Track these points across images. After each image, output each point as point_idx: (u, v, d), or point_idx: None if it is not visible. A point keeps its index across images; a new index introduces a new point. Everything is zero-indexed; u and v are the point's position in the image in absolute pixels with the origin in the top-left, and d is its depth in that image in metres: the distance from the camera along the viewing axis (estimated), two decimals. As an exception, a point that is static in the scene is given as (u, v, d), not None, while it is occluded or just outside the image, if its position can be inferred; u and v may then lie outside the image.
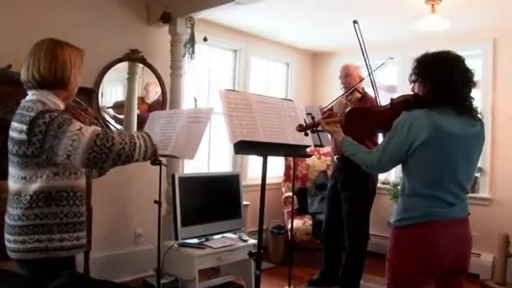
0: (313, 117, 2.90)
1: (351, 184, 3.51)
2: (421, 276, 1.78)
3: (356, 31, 2.72)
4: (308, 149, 2.40)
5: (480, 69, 4.29)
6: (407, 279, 1.80)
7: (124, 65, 3.84)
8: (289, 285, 3.50)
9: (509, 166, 4.20)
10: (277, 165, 4.97)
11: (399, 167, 1.91)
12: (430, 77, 1.83)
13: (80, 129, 1.58)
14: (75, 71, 1.76)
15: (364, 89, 3.65)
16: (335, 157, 3.72)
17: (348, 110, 2.10)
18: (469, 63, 1.86)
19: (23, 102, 1.70)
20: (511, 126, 4.19)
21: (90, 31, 3.52)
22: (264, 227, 3.28)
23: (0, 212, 1.95)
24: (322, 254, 3.90)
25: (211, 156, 4.71)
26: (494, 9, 3.78)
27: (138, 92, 3.93)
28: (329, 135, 3.43)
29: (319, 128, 2.20)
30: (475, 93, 1.87)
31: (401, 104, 1.91)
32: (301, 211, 4.67)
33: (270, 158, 2.18)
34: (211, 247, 3.25)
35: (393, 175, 4.81)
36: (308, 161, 4.98)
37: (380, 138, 2.71)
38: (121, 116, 3.82)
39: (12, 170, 1.70)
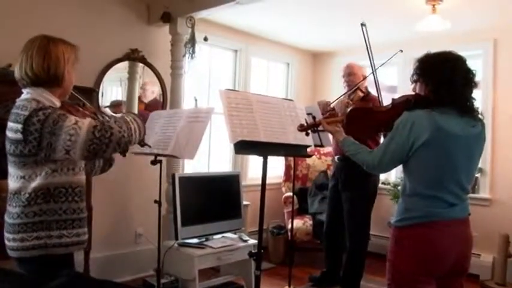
0: (313, 117, 2.91)
1: (352, 184, 3.50)
2: (422, 277, 1.78)
3: (364, 34, 2.72)
4: (308, 149, 2.40)
5: (481, 69, 4.29)
6: (408, 280, 1.80)
7: (124, 65, 3.84)
8: (289, 286, 3.50)
9: (510, 166, 4.19)
10: (277, 165, 4.96)
11: (400, 167, 1.92)
12: (431, 77, 1.83)
13: (76, 123, 1.58)
14: (69, 68, 1.74)
15: (367, 88, 3.65)
16: (336, 157, 3.71)
17: (349, 109, 2.09)
18: (470, 64, 1.86)
19: (18, 101, 1.69)
20: (511, 126, 4.19)
21: (91, 31, 3.52)
22: (264, 227, 3.28)
23: (0, 211, 1.95)
24: (323, 255, 3.89)
25: (212, 156, 4.71)
26: (495, 10, 3.78)
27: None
28: (330, 135, 3.44)
29: (320, 128, 2.20)
30: (475, 93, 1.87)
31: (402, 104, 1.91)
32: (301, 211, 4.67)
33: (270, 158, 2.18)
34: (211, 247, 3.25)
35: (394, 175, 4.81)
36: (308, 161, 4.98)
37: (382, 138, 2.71)
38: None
39: (11, 170, 1.70)
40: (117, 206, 3.79)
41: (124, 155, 2.02)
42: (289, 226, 4.06)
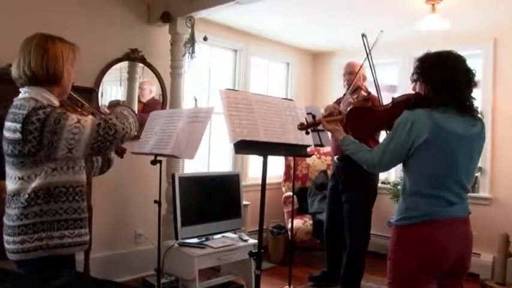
0: (313, 116, 2.91)
1: (353, 184, 3.50)
2: (423, 275, 1.78)
3: (364, 44, 2.72)
4: (308, 149, 2.40)
5: (480, 69, 4.28)
6: (409, 278, 1.80)
7: (124, 65, 3.84)
8: (289, 285, 3.50)
9: (509, 166, 4.20)
10: (277, 165, 4.97)
11: (400, 166, 1.92)
12: (431, 77, 1.84)
13: (78, 121, 1.57)
14: (68, 66, 1.71)
15: (367, 88, 3.65)
16: (335, 157, 3.71)
17: (348, 108, 2.09)
18: (470, 63, 1.87)
19: (15, 101, 1.65)
20: (511, 126, 4.19)
21: (90, 30, 3.52)
22: (264, 227, 3.28)
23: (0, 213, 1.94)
24: (325, 255, 3.88)
25: (211, 156, 4.71)
26: (495, 9, 3.78)
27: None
28: (329, 135, 3.44)
29: (320, 127, 2.20)
30: (475, 93, 1.87)
31: (402, 103, 1.91)
32: (301, 211, 4.67)
33: (270, 158, 2.18)
34: (211, 247, 3.25)
35: (393, 175, 4.81)
36: (308, 160, 4.98)
37: (382, 137, 2.70)
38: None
39: (9, 171, 1.65)
40: (117, 206, 3.79)
41: (121, 157, 2.02)
42: (289, 226, 4.06)
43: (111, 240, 3.72)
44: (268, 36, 5.03)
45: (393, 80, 5.12)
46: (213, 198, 3.56)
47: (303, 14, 4.13)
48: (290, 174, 4.77)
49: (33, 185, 1.60)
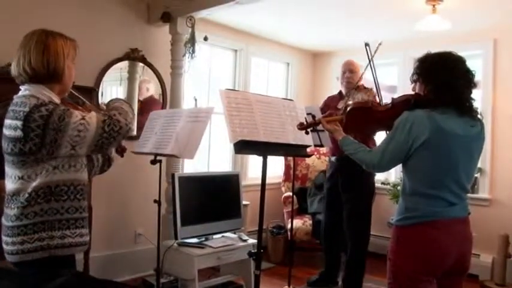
0: (313, 116, 2.91)
1: (353, 185, 3.50)
2: (423, 276, 1.78)
3: (367, 53, 2.73)
4: (308, 149, 2.40)
5: (480, 69, 4.29)
6: (409, 279, 1.80)
7: (124, 64, 3.84)
8: (289, 285, 3.50)
9: (509, 166, 4.19)
10: (277, 165, 4.97)
11: (400, 167, 1.92)
12: (431, 77, 1.84)
13: (83, 118, 1.56)
14: (68, 63, 1.67)
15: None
16: (333, 158, 3.71)
17: (348, 108, 2.09)
18: (470, 64, 1.87)
19: (15, 98, 1.61)
20: (511, 126, 4.19)
21: (91, 30, 3.52)
22: (264, 227, 3.28)
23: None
24: (323, 256, 3.89)
25: (211, 156, 4.71)
26: (495, 10, 3.78)
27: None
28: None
29: (320, 127, 2.20)
30: (475, 93, 1.87)
31: (402, 104, 1.91)
32: (301, 211, 4.67)
33: (269, 158, 2.18)
34: (211, 247, 3.25)
35: (393, 175, 4.81)
36: (308, 160, 4.98)
37: (382, 138, 2.70)
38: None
39: (9, 170, 1.61)
40: (117, 205, 3.79)
41: (122, 155, 2.02)
42: (289, 226, 4.06)
43: (110, 239, 3.72)
44: (268, 36, 5.03)
45: (393, 80, 5.12)
46: (213, 198, 3.56)
47: (303, 14, 4.13)
48: (290, 174, 4.77)
49: (34, 184, 1.56)
